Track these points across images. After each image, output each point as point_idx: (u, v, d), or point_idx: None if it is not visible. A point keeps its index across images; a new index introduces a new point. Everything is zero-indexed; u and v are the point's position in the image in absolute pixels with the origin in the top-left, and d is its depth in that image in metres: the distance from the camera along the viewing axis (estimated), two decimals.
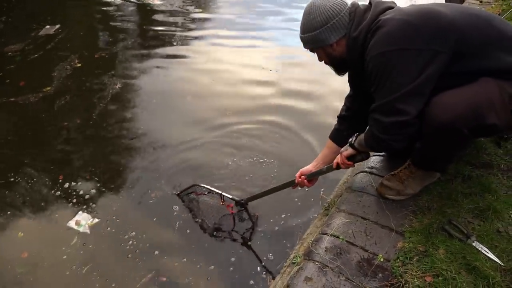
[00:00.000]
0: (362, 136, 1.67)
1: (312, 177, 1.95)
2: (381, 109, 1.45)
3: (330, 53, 1.62)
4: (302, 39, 1.63)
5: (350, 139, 1.74)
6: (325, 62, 1.70)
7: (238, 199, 2.24)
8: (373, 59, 1.42)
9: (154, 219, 2.36)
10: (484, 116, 1.38)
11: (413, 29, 1.36)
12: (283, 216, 2.35)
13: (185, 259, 2.10)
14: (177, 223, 2.33)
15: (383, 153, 2.16)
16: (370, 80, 1.48)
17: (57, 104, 3.56)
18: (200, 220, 2.35)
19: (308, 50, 1.68)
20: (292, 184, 2.00)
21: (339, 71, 1.72)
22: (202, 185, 2.38)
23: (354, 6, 1.55)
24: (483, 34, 1.43)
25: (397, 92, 1.39)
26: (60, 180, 2.67)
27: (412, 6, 1.47)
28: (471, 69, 1.43)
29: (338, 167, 1.80)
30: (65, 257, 2.13)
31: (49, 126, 3.30)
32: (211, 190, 2.32)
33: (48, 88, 3.80)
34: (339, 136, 1.91)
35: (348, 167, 1.82)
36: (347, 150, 1.75)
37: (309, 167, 1.95)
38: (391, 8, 1.50)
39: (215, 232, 2.29)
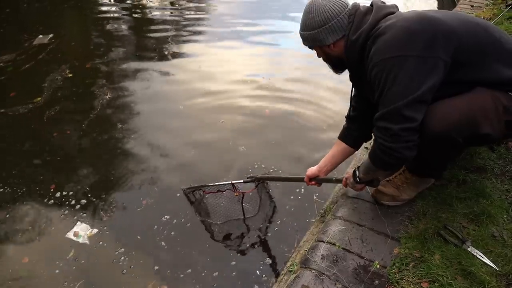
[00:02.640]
0: (365, 162, 1.63)
1: (320, 182, 1.96)
2: (388, 117, 1.39)
3: (328, 52, 1.62)
4: (301, 36, 1.62)
5: (354, 173, 1.71)
6: (323, 60, 1.70)
7: (249, 179, 2.26)
8: (377, 66, 1.40)
9: (150, 228, 2.34)
10: (478, 125, 1.38)
11: (414, 36, 1.34)
12: (278, 222, 2.35)
13: (190, 270, 2.09)
14: (174, 231, 2.32)
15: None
16: (373, 87, 1.45)
17: (47, 115, 3.53)
18: (204, 220, 2.36)
19: (307, 47, 1.66)
20: (301, 181, 2.01)
21: (337, 69, 1.71)
22: (210, 184, 2.35)
23: (355, 8, 1.52)
24: (481, 43, 1.42)
25: (403, 98, 1.34)
26: (52, 190, 2.65)
27: (412, 12, 1.45)
28: (468, 79, 1.43)
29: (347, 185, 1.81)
30: (57, 271, 2.10)
31: (39, 137, 3.26)
32: (220, 185, 2.30)
33: (39, 98, 3.77)
34: (348, 135, 1.88)
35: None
36: (355, 186, 1.77)
37: (315, 170, 1.93)
38: (392, 13, 1.48)
39: (218, 230, 2.30)
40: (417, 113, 1.37)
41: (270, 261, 2.11)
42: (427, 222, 1.70)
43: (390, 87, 1.37)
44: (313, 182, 1.96)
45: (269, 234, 2.28)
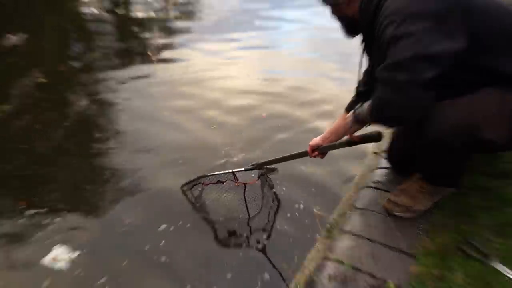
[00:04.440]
0: (364, 110, 1.51)
1: (324, 151, 1.90)
2: (392, 67, 1.28)
3: (341, 11, 1.59)
4: None
5: (354, 112, 1.62)
6: (336, 19, 1.65)
7: (250, 166, 2.20)
8: (388, 18, 1.29)
9: (138, 245, 2.11)
10: (479, 130, 1.32)
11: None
12: (277, 236, 2.17)
13: (189, 285, 1.91)
14: (166, 242, 2.11)
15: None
16: (382, 44, 1.34)
17: (15, 125, 3.26)
18: (207, 217, 2.25)
19: (322, 4, 1.63)
20: (305, 155, 1.98)
21: (349, 32, 1.66)
22: (209, 174, 2.28)
23: None
24: (505, 29, 1.33)
25: (412, 50, 1.22)
26: (24, 207, 2.37)
27: None
28: (485, 65, 1.33)
29: (350, 143, 1.64)
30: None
31: (5, 150, 2.97)
32: (220, 174, 2.25)
33: (7, 106, 3.51)
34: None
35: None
36: (354, 127, 1.66)
37: (318, 140, 1.90)
38: None
39: (215, 237, 2.16)
40: (424, 70, 1.23)
41: (268, 277, 1.93)
42: (447, 235, 1.58)
43: (399, 39, 1.25)
44: (316, 153, 1.90)
45: (269, 248, 2.11)
